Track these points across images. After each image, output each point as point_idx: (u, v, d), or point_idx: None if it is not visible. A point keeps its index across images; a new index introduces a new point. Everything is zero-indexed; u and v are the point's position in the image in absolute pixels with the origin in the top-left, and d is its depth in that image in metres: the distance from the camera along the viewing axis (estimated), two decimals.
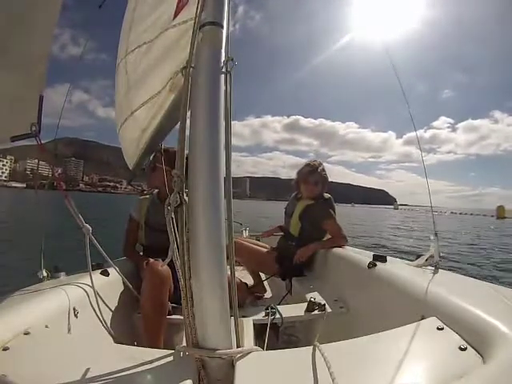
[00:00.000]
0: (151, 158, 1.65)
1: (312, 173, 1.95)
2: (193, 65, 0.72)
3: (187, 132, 0.69)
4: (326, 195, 1.97)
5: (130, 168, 1.69)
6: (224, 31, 0.74)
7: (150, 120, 1.36)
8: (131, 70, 1.41)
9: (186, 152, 0.68)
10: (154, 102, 1.28)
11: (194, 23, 0.75)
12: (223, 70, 0.71)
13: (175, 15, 1.13)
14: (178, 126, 0.72)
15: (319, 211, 1.88)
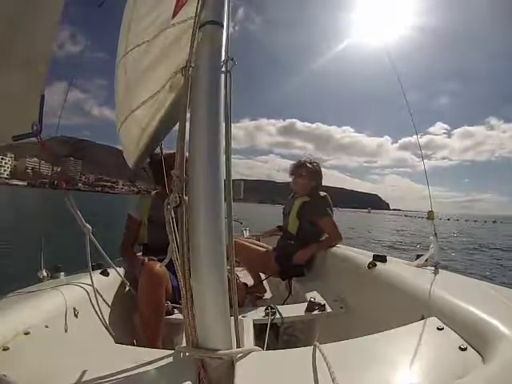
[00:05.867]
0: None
1: (297, 166, 2.01)
2: (193, 64, 0.72)
3: (187, 131, 0.69)
4: (322, 193, 1.97)
5: (130, 167, 1.69)
6: (224, 31, 0.74)
7: (150, 119, 1.36)
8: (131, 70, 1.41)
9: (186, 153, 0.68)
10: (153, 101, 1.28)
11: (194, 22, 0.74)
12: (223, 69, 0.71)
13: (174, 14, 1.13)
14: (177, 125, 0.72)
15: (315, 208, 1.89)
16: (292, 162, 2.13)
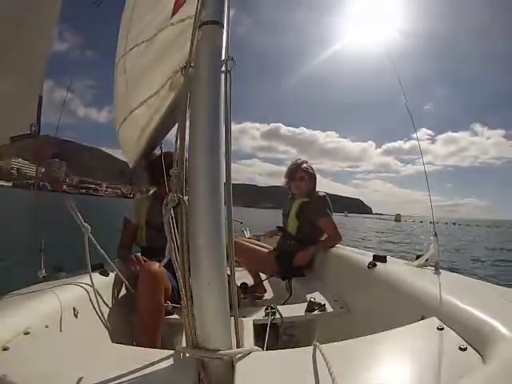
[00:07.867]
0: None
1: (296, 169, 2.04)
2: (192, 64, 0.72)
3: (187, 131, 0.68)
4: (321, 193, 1.98)
5: (130, 166, 1.69)
6: (224, 30, 0.74)
7: (150, 119, 1.35)
8: (130, 69, 1.40)
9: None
10: (153, 101, 1.28)
11: (194, 22, 0.74)
12: (223, 69, 0.71)
13: (173, 14, 1.13)
14: (177, 125, 0.72)
15: (314, 209, 1.90)
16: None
